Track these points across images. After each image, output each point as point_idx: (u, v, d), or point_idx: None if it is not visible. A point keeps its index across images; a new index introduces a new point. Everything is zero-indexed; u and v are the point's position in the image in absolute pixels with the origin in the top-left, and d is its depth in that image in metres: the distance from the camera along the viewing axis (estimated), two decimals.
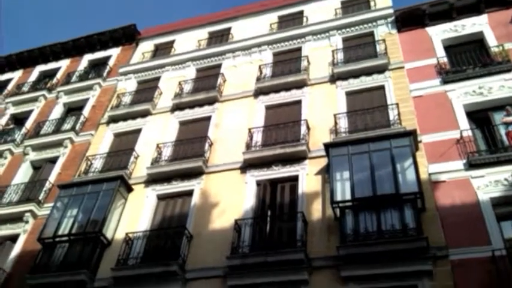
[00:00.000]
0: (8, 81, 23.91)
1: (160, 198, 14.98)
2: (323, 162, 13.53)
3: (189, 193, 14.60)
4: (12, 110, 21.64)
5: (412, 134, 12.70)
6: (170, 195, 14.93)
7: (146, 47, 22.69)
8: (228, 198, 13.90)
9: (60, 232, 14.29)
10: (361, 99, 15.45)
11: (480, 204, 11.30)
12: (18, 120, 21.19)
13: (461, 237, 10.69)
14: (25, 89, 22.49)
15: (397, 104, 14.32)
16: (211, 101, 17.50)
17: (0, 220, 16.15)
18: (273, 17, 21.10)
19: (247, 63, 18.98)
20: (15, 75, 24.10)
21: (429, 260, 10.41)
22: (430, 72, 15.19)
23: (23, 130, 19.94)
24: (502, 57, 14.56)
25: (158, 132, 17.23)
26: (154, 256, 12.97)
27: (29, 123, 20.39)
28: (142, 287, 12.39)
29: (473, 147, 12.55)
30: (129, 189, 15.37)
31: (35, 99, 21.43)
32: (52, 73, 23.21)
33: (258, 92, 17.02)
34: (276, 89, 16.80)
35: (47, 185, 16.76)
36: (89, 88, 20.69)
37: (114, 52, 22.80)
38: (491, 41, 15.46)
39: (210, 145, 15.71)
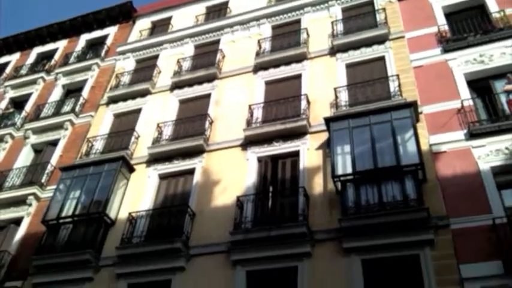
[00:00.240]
0: (6, 64, 23.79)
1: (162, 177, 15.02)
2: (324, 136, 13.45)
3: (191, 171, 14.62)
4: (11, 93, 21.57)
5: (412, 106, 12.57)
6: (172, 174, 14.95)
7: (143, 24, 22.42)
8: (230, 175, 13.91)
9: (63, 214, 14.38)
10: (361, 71, 15.27)
11: (481, 174, 11.26)
12: (18, 103, 21.15)
13: (462, 207, 10.69)
14: (23, 71, 22.37)
15: (397, 75, 14.13)
16: (210, 78, 17.35)
17: (4, 204, 16.29)
18: None
19: (245, 38, 18.74)
20: (13, 58, 23.97)
21: (430, 229, 10.44)
22: (431, 41, 14.93)
23: (23, 114, 19.93)
24: (503, 24, 14.26)
25: (158, 112, 17.16)
26: (158, 234, 13.09)
27: (28, 107, 20.35)
28: (147, 264, 12.54)
29: (474, 116, 12.42)
30: (131, 169, 15.40)
31: (33, 82, 21.33)
32: (50, 54, 23.04)
33: (258, 68, 16.85)
34: (276, 64, 16.61)
35: (49, 168, 16.82)
36: (87, 69, 20.55)
37: (111, 31, 22.58)
38: (493, 6, 15.11)
39: (211, 123, 15.65)
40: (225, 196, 13.44)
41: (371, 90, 14.36)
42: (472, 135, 11.99)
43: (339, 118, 13.26)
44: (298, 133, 13.94)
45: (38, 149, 18.51)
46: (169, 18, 21.95)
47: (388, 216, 10.63)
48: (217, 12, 21.18)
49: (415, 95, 13.50)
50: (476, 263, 9.81)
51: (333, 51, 16.17)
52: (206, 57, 18.51)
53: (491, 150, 11.58)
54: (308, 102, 14.64)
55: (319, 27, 17.47)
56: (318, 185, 12.58)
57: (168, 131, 16.03)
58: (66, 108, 19.21)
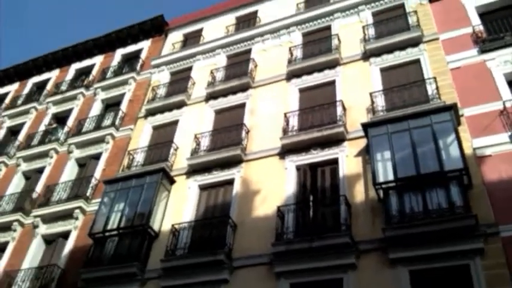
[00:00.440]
0: (47, 81, 24.67)
1: (202, 188, 15.25)
2: (362, 143, 13.38)
3: (230, 182, 14.79)
4: (53, 109, 22.30)
5: (452, 108, 12.35)
6: (211, 184, 15.16)
7: (175, 37, 22.83)
8: (269, 185, 13.99)
9: (109, 226, 14.79)
10: (396, 75, 15.13)
11: None
12: (60, 119, 21.84)
13: (511, 213, 10.41)
14: (63, 87, 23.10)
15: (434, 78, 13.94)
16: (244, 88, 17.53)
17: (52, 218, 16.85)
18: None
19: (276, 46, 18.85)
20: (53, 75, 24.81)
21: (479, 238, 10.21)
22: (466, 42, 14.68)
23: (66, 129, 20.58)
24: None
25: (195, 123, 17.44)
26: (201, 246, 13.26)
27: (70, 122, 21.00)
28: (191, 276, 12.70)
29: None
30: (172, 181, 15.70)
31: (74, 98, 22.00)
32: (87, 70, 23.77)
33: (290, 75, 16.92)
34: (308, 71, 16.64)
35: (93, 181, 17.32)
36: (124, 83, 21.10)
37: (145, 45, 23.09)
38: None
39: (247, 132, 15.79)
40: (265, 206, 13.53)
41: (408, 94, 14.20)
42: None
43: (377, 124, 13.13)
44: (336, 140, 13.91)
45: (81, 163, 19.07)
46: (201, 30, 22.29)
47: (434, 225, 10.43)
48: (247, 22, 21.35)
49: (454, 98, 13.29)
50: None
51: (366, 55, 16.09)
52: (239, 67, 18.71)
53: None
54: (344, 108, 14.60)
55: (350, 32, 17.42)
56: (359, 193, 12.51)
57: (205, 142, 16.27)
58: (107, 122, 19.77)
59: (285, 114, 15.32)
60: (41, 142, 20.50)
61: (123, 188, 15.69)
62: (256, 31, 19.75)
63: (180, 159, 16.38)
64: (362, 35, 16.82)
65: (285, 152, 14.48)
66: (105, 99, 21.33)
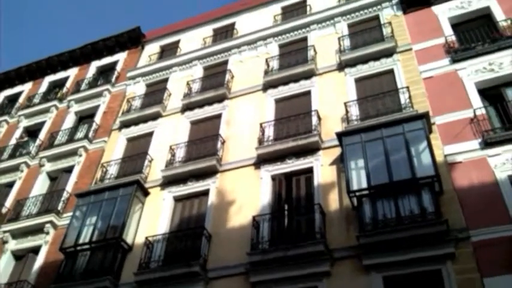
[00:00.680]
0: (19, 94, 24.20)
1: (177, 199, 15.05)
2: (337, 152, 13.43)
3: (205, 193, 14.64)
4: (24, 122, 21.88)
5: (424, 117, 12.53)
6: (186, 196, 14.98)
7: (152, 49, 22.74)
8: (244, 195, 13.91)
9: (81, 240, 14.44)
10: (370, 85, 15.30)
11: (498, 183, 11.12)
12: (32, 132, 21.43)
13: (481, 218, 10.54)
14: (36, 100, 22.72)
15: (407, 87, 14.15)
16: (220, 99, 17.48)
17: (22, 233, 16.40)
18: (276, 8, 20.94)
19: (253, 57, 18.91)
20: (25, 88, 24.37)
21: (451, 243, 10.30)
22: (439, 52, 14.95)
23: (37, 142, 20.18)
24: (511, 31, 14.24)
25: (170, 134, 17.29)
26: (175, 258, 13.05)
27: (42, 135, 20.61)
28: None
29: (488, 125, 12.33)
30: (146, 193, 15.46)
31: (46, 110, 21.65)
32: (61, 82, 23.41)
33: (267, 86, 16.96)
34: (285, 81, 16.72)
35: (65, 195, 16.93)
36: (99, 95, 20.84)
37: (121, 57, 22.91)
38: (499, 15, 15.12)
39: (223, 143, 15.70)
40: (240, 216, 13.41)
41: (382, 104, 14.36)
42: (487, 144, 11.89)
43: (351, 133, 13.22)
44: (311, 149, 13.94)
45: (53, 177, 18.68)
46: (178, 42, 22.26)
47: (406, 231, 10.49)
48: (224, 33, 21.44)
49: (427, 106, 13.47)
50: (501, 275, 9.61)
51: (341, 66, 16.25)
52: (215, 78, 18.69)
53: (508, 159, 11.46)
54: (319, 118, 14.67)
55: (326, 43, 17.59)
56: (333, 201, 12.52)
57: (180, 153, 16.11)
58: (80, 134, 19.44)
59: (261, 124, 15.32)
60: (12, 156, 20.05)
61: (96, 201, 15.39)
62: (233, 42, 19.80)
63: (154, 171, 16.17)
64: (338, 46, 17.00)
65: (261, 161, 14.43)
66: (78, 112, 21.01)
